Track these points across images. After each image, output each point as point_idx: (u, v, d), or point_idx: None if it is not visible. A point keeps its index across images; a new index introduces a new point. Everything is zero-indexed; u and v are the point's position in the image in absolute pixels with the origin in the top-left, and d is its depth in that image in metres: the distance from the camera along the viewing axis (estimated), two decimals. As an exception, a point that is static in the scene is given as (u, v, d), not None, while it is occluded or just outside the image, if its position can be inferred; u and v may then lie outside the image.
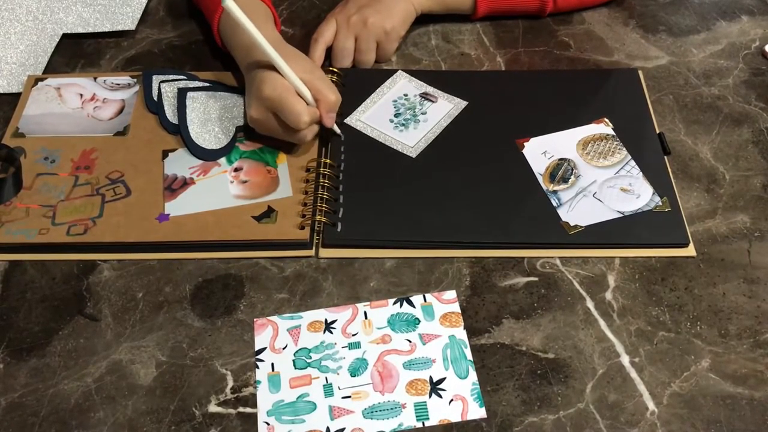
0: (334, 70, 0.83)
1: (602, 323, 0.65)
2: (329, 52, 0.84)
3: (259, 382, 0.62)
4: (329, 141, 0.78)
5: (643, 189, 0.73)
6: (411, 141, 0.78)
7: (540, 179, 0.74)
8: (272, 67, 0.71)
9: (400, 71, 0.85)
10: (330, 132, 0.77)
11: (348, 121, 0.80)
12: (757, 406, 0.60)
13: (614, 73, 0.84)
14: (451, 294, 0.67)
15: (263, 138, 0.76)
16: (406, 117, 0.80)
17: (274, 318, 0.66)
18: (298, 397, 0.61)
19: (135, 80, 0.84)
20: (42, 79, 0.84)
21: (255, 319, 0.66)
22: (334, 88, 0.74)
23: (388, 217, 0.71)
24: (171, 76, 0.82)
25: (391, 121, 0.80)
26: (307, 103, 0.72)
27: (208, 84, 0.82)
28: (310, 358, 0.63)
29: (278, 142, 0.76)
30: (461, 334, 0.65)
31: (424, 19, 0.90)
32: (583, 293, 0.67)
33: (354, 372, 0.62)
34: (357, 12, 0.83)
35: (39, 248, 0.70)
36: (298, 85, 0.71)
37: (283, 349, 0.64)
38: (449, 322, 0.65)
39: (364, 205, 0.72)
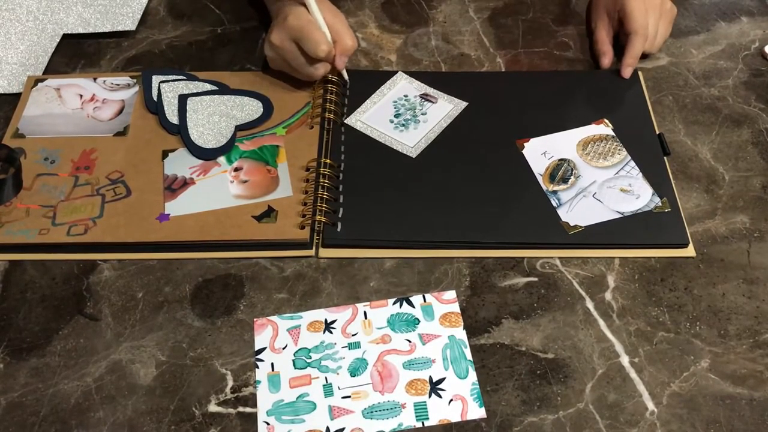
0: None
1: (602, 323, 0.65)
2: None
3: (259, 381, 0.62)
4: (330, 138, 0.78)
5: (643, 189, 0.73)
6: (411, 141, 0.78)
7: (540, 179, 0.74)
8: (299, 4, 0.77)
9: (400, 72, 0.85)
10: (337, 76, 0.82)
11: (348, 121, 0.80)
12: (757, 406, 0.60)
13: (614, 73, 0.85)
14: (451, 294, 0.67)
15: (263, 137, 0.77)
16: (407, 117, 0.80)
17: (274, 318, 0.66)
18: (297, 397, 0.61)
19: (135, 80, 0.84)
20: (42, 80, 0.84)
21: (255, 319, 0.66)
22: (353, 34, 0.79)
23: (388, 217, 0.71)
24: (171, 76, 0.83)
25: (392, 121, 0.80)
26: None
27: (207, 88, 0.82)
28: (310, 358, 0.63)
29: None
30: (461, 334, 0.65)
31: (424, 20, 0.90)
32: (583, 293, 0.67)
33: (354, 372, 0.63)
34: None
35: (39, 248, 0.70)
36: (321, 22, 0.76)
37: (283, 349, 0.64)
38: (449, 322, 0.65)
39: (364, 205, 0.72)
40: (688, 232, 0.70)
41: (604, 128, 0.78)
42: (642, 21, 0.81)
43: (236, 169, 0.75)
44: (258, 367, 0.63)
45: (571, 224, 0.70)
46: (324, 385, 0.62)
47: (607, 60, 0.85)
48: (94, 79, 0.84)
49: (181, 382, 0.62)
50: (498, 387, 0.61)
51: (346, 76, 0.82)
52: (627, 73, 0.83)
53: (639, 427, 0.59)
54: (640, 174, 0.74)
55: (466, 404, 0.60)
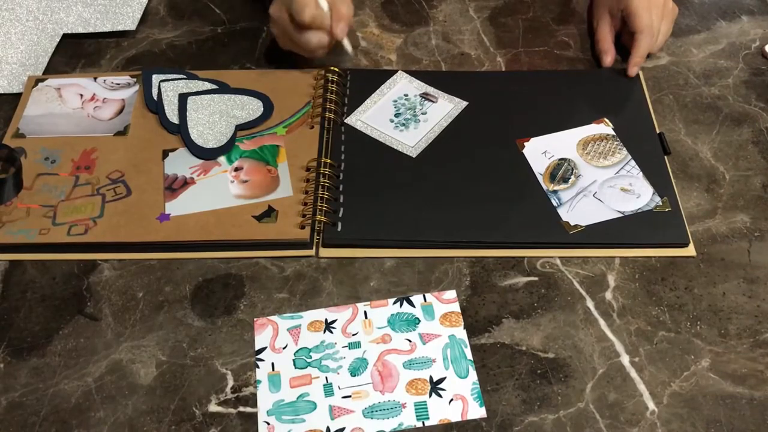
0: (335, 69, 0.83)
1: (602, 323, 0.65)
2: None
3: (260, 381, 0.62)
4: (331, 139, 0.78)
5: (643, 189, 0.73)
6: (411, 141, 0.78)
7: (540, 179, 0.74)
8: None
9: (400, 71, 0.85)
10: (342, 51, 0.83)
11: (348, 121, 0.80)
12: (757, 405, 0.60)
13: (614, 73, 0.84)
14: (451, 294, 0.67)
15: (263, 137, 0.77)
16: (407, 117, 0.80)
17: (275, 318, 0.66)
18: (298, 397, 0.61)
19: (135, 80, 0.84)
20: (42, 80, 0.84)
21: (255, 319, 0.66)
22: (350, 3, 0.79)
23: (388, 217, 0.71)
24: (171, 75, 0.83)
25: (392, 121, 0.80)
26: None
27: (208, 86, 0.82)
28: (311, 357, 0.64)
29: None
30: (461, 333, 0.65)
31: (424, 19, 0.90)
32: (583, 293, 0.67)
33: (354, 371, 0.63)
34: None
35: (39, 248, 0.70)
36: None
37: (284, 348, 0.64)
38: (449, 321, 0.65)
39: (364, 204, 0.72)
40: (688, 231, 0.70)
41: (604, 128, 0.78)
42: (647, 20, 0.81)
43: (236, 169, 0.75)
44: (258, 367, 0.63)
45: (572, 224, 0.70)
46: (324, 385, 0.62)
47: (609, 58, 0.85)
48: (95, 78, 0.84)
49: (181, 382, 0.62)
50: (498, 386, 0.61)
51: (348, 48, 0.82)
52: (633, 72, 0.83)
53: (639, 427, 0.59)
54: (641, 173, 0.74)
55: (466, 404, 0.60)
